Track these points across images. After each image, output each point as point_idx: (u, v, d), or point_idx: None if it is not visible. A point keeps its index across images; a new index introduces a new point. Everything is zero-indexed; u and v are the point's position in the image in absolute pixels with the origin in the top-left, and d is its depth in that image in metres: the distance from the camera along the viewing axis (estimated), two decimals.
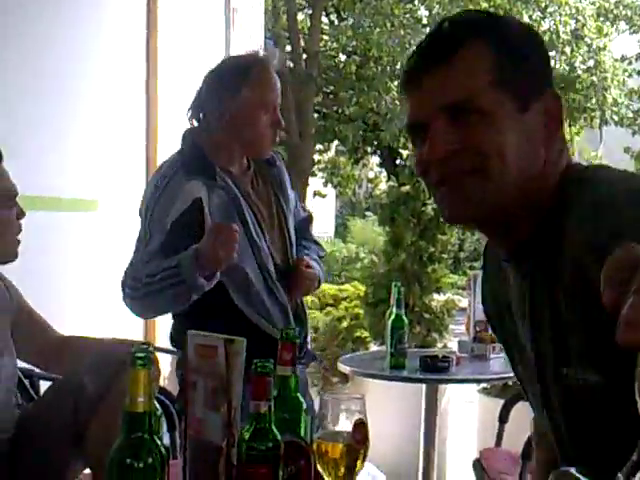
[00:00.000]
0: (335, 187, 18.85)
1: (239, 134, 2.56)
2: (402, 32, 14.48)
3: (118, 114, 4.72)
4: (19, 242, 2.20)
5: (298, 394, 1.63)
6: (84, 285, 4.23)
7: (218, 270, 2.38)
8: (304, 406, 1.63)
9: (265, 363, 1.48)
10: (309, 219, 2.87)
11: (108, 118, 4.61)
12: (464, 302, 5.35)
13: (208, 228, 2.41)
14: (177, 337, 2.62)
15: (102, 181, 3.95)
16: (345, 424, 1.57)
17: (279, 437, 1.47)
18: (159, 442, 1.30)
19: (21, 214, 2.19)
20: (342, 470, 1.55)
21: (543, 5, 16.00)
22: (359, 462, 1.56)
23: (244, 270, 2.49)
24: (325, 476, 1.57)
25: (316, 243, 2.87)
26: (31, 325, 2.37)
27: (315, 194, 17.41)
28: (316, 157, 17.38)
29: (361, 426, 1.56)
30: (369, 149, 17.73)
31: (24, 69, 3.96)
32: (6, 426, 2.15)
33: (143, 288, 2.44)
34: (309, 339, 2.71)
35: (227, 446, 1.53)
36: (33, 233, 3.90)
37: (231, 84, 2.53)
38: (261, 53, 2.64)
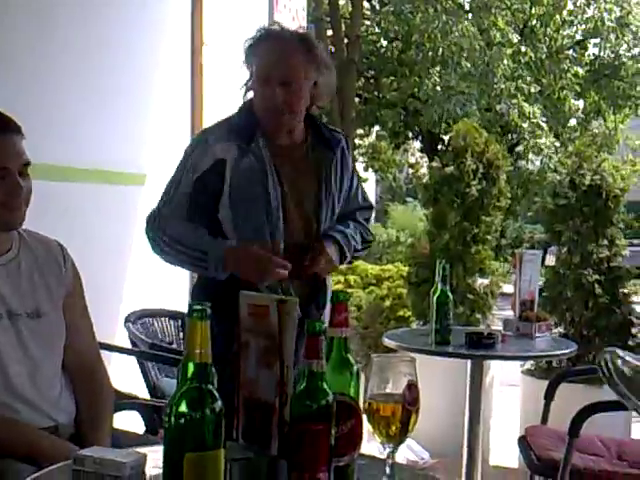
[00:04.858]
0: (376, 172, 18.81)
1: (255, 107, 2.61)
2: (444, 17, 14.39)
3: (165, 92, 4.75)
4: (12, 212, 2.17)
5: (349, 355, 1.63)
6: (132, 257, 4.29)
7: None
8: (355, 367, 1.63)
9: (317, 322, 1.49)
10: (365, 208, 2.84)
11: (156, 96, 4.65)
12: (506, 288, 5.33)
13: (241, 249, 2.50)
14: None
15: (150, 156, 4.01)
16: (395, 386, 1.57)
17: (331, 395, 1.47)
18: (216, 393, 1.31)
19: (12, 187, 2.10)
20: (394, 430, 1.55)
21: None
22: (411, 423, 1.56)
23: (255, 237, 2.52)
24: (377, 435, 1.57)
25: (363, 225, 2.82)
26: (74, 325, 2.30)
27: None
28: (357, 141, 17.37)
29: (413, 387, 1.57)
30: (410, 134, 17.67)
31: (78, 55, 4.03)
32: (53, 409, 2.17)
33: (165, 246, 2.56)
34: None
35: (280, 404, 1.54)
36: (89, 204, 3.99)
37: (246, 57, 2.59)
38: (276, 26, 2.62)
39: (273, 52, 2.55)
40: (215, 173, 2.53)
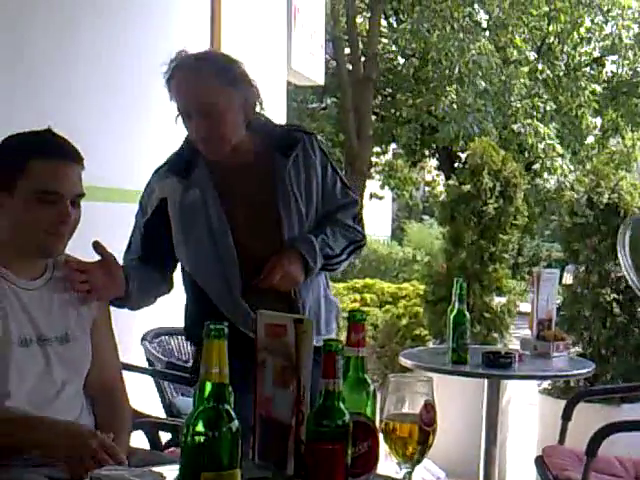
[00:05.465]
0: (392, 189, 18.80)
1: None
2: (461, 35, 14.39)
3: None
4: (57, 240, 2.18)
5: (366, 375, 1.63)
6: None
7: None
8: (371, 387, 1.63)
9: (334, 342, 1.49)
10: (346, 204, 2.65)
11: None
12: (523, 307, 5.32)
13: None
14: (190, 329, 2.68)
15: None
16: (412, 406, 1.57)
17: (347, 415, 1.47)
18: (232, 412, 1.31)
19: (62, 214, 2.12)
20: (410, 450, 1.55)
21: (605, 9, 15.78)
22: (428, 443, 1.55)
23: (207, 271, 2.51)
24: (393, 456, 1.57)
25: (346, 226, 2.63)
26: (99, 346, 2.29)
27: (372, 196, 17.41)
28: (373, 159, 17.38)
29: (430, 407, 1.56)
30: (427, 152, 17.65)
31: (96, 65, 4.06)
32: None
33: None
34: None
35: (296, 424, 1.54)
36: (99, 222, 3.98)
37: (168, 92, 2.53)
38: (185, 55, 2.52)
39: (187, 86, 2.47)
40: (160, 214, 2.53)
